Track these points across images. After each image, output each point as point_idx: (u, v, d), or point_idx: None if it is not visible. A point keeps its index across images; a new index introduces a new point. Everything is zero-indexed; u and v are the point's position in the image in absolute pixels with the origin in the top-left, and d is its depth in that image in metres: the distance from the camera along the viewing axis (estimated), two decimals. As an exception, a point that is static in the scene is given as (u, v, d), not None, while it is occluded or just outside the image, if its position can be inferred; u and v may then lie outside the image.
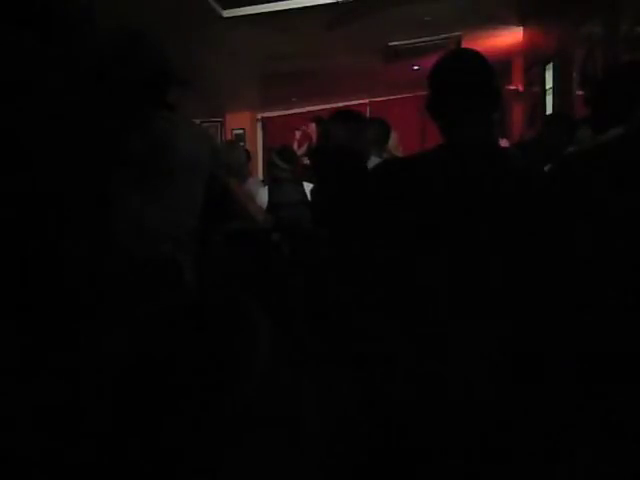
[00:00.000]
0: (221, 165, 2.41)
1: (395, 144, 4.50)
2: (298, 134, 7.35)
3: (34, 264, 1.27)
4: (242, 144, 8.84)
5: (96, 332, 1.40)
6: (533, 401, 1.50)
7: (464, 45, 6.64)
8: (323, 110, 10.20)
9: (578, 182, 1.64)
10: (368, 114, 8.62)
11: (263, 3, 5.53)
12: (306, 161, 6.53)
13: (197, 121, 9.28)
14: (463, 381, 1.54)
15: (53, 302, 1.30)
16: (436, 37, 6.89)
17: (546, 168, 2.40)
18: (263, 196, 4.41)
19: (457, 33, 6.91)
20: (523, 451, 1.50)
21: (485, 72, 1.71)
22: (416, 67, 8.18)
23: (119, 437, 1.09)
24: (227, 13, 5.61)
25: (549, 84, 6.10)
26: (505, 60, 7.85)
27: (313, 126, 7.23)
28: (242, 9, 5.60)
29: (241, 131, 10.89)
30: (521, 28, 7.06)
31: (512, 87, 7.73)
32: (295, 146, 7.04)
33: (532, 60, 6.86)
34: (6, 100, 1.29)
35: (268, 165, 4.61)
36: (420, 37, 6.93)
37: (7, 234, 1.25)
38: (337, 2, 5.54)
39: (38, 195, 1.29)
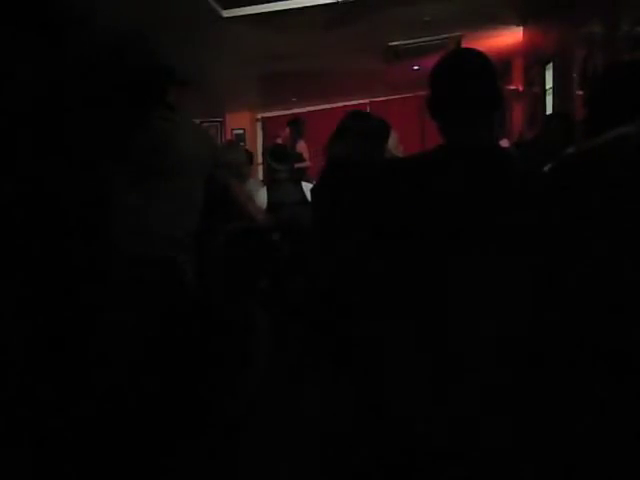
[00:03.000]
0: (221, 165, 2.41)
1: (395, 144, 4.49)
2: (279, 141, 7.43)
3: (35, 263, 1.27)
4: (242, 144, 8.86)
5: (96, 330, 1.40)
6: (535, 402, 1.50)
7: (464, 45, 6.65)
8: (323, 110, 10.22)
9: (578, 182, 1.64)
10: (368, 114, 8.62)
11: (263, 3, 5.53)
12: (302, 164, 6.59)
13: (197, 121, 9.28)
14: (464, 382, 1.54)
15: (54, 301, 1.30)
16: (436, 37, 6.89)
17: (546, 168, 2.40)
18: (263, 196, 4.41)
19: (457, 33, 6.91)
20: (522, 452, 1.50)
21: (486, 72, 1.70)
22: (416, 67, 8.19)
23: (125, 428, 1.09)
24: (227, 13, 5.61)
25: (549, 84, 6.11)
26: (505, 60, 7.86)
27: (287, 130, 7.31)
28: (242, 9, 5.60)
29: (241, 131, 10.90)
30: (521, 28, 7.06)
31: (512, 87, 7.74)
32: None
33: (532, 60, 6.86)
34: (7, 101, 1.29)
35: (266, 168, 4.63)
36: (420, 37, 6.93)
37: (8, 233, 1.25)
38: (337, 2, 5.54)
39: (38, 194, 1.29)
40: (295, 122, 7.52)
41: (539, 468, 1.47)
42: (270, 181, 4.60)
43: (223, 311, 2.00)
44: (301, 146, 7.32)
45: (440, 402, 1.53)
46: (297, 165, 6.54)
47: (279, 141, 7.48)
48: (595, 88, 1.94)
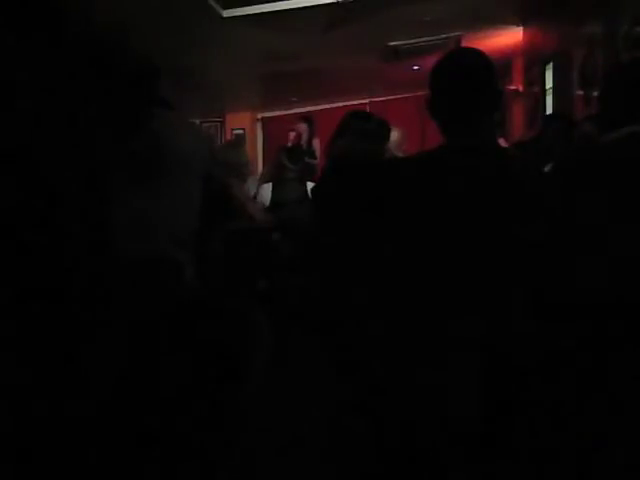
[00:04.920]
0: (220, 165, 2.41)
1: (397, 144, 4.49)
2: (292, 135, 7.41)
3: (34, 262, 1.27)
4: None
5: (95, 330, 1.40)
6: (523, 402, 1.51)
7: (464, 45, 6.64)
8: (323, 110, 10.21)
9: (578, 182, 1.64)
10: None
11: (263, 3, 5.54)
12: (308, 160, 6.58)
13: (197, 121, 9.28)
14: (458, 383, 1.54)
15: (53, 300, 1.30)
16: (436, 37, 6.89)
17: (546, 168, 2.40)
18: (266, 194, 4.42)
19: (457, 33, 6.91)
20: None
21: (486, 72, 1.70)
22: (416, 67, 8.18)
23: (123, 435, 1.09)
24: (227, 13, 5.61)
25: (549, 84, 6.10)
26: (505, 60, 7.85)
27: (305, 126, 7.29)
28: (242, 9, 5.60)
29: (241, 131, 10.89)
30: (521, 28, 7.05)
31: (512, 87, 7.73)
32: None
33: (532, 60, 6.86)
34: (8, 101, 1.29)
35: (276, 166, 4.61)
36: (420, 37, 6.93)
37: (8, 232, 1.25)
38: (337, 2, 5.54)
39: (38, 194, 1.29)
40: (309, 119, 7.50)
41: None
42: (276, 179, 4.60)
43: (223, 311, 2.00)
44: (316, 143, 7.33)
45: (443, 395, 1.53)
46: (311, 161, 6.53)
47: (292, 136, 7.45)
48: (607, 86, 1.93)
